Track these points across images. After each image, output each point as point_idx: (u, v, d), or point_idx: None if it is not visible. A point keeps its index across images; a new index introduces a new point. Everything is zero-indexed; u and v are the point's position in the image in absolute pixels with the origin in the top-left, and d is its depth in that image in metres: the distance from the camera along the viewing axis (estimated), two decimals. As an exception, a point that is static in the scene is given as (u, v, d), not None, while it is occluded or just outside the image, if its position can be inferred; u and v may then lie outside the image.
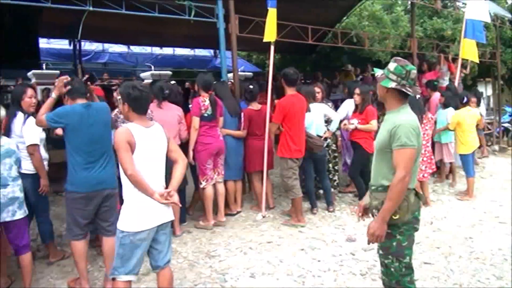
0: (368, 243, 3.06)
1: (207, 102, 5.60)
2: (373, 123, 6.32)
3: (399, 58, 3.08)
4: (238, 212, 6.33)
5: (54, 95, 4.17)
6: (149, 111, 4.93)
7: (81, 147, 3.95)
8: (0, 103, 4.64)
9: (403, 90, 2.96)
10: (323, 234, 5.58)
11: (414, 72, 3.00)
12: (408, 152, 2.87)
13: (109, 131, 4.19)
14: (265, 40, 6.29)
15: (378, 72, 3.10)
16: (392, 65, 3.01)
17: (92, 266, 4.75)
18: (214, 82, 5.97)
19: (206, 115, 5.59)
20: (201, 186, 5.71)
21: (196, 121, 5.55)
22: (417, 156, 2.97)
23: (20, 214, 3.95)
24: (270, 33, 6.22)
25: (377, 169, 3.10)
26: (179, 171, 3.43)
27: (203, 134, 5.61)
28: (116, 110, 4.86)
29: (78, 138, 3.94)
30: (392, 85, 2.97)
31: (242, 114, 6.16)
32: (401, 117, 2.94)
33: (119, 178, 3.44)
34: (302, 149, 5.81)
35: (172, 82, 6.91)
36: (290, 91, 5.79)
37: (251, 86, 6.32)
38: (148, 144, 3.25)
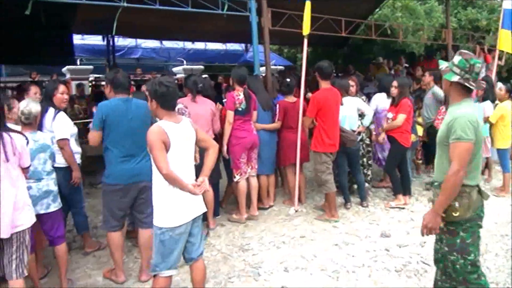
0: (422, 235, 3.07)
1: (241, 96, 5.60)
2: (399, 118, 6.16)
3: (464, 51, 3.05)
4: (270, 206, 6.34)
5: None
6: (182, 106, 4.98)
7: (119, 141, 4.02)
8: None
9: (466, 84, 2.94)
10: (357, 230, 5.52)
11: (478, 66, 2.97)
12: (463, 146, 2.84)
13: (147, 126, 4.23)
14: (304, 33, 6.23)
15: (443, 65, 3.09)
16: (456, 58, 2.99)
17: (127, 257, 4.83)
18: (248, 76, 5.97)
19: (240, 109, 5.59)
20: (235, 180, 5.73)
21: (230, 115, 5.56)
22: (476, 150, 2.94)
23: (55, 206, 4.06)
24: (306, 26, 6.18)
25: (438, 164, 3.11)
26: (211, 158, 3.48)
27: (237, 128, 5.63)
28: None
29: (116, 132, 4.00)
30: (455, 78, 2.96)
31: (278, 105, 6.15)
32: (460, 111, 2.92)
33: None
34: (336, 143, 5.75)
35: (204, 76, 6.95)
36: (324, 84, 5.72)
37: (288, 79, 6.31)
38: (180, 140, 3.26)
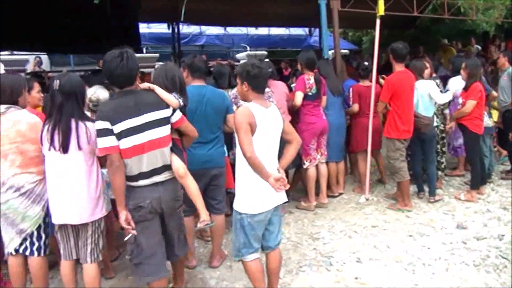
0: None
1: (312, 80, 5.45)
2: (468, 105, 5.64)
3: None
4: (340, 194, 6.19)
5: None
6: (269, 90, 4.91)
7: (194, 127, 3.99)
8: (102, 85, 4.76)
9: None
10: (431, 220, 5.29)
11: None
12: None
13: (222, 114, 4.19)
14: (378, 14, 5.98)
15: None
16: None
17: (197, 243, 4.85)
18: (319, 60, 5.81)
19: (310, 93, 5.44)
20: (304, 166, 5.61)
21: (299, 95, 5.39)
22: None
23: None
24: (380, 6, 5.93)
25: None
26: (291, 151, 3.40)
27: (307, 113, 5.50)
28: (232, 91, 4.89)
29: (190, 118, 3.97)
30: None
31: (351, 89, 6.01)
32: None
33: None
34: (411, 129, 5.49)
35: (266, 60, 6.84)
36: (398, 67, 5.47)
37: (366, 63, 6.14)
38: (267, 125, 3.20)
